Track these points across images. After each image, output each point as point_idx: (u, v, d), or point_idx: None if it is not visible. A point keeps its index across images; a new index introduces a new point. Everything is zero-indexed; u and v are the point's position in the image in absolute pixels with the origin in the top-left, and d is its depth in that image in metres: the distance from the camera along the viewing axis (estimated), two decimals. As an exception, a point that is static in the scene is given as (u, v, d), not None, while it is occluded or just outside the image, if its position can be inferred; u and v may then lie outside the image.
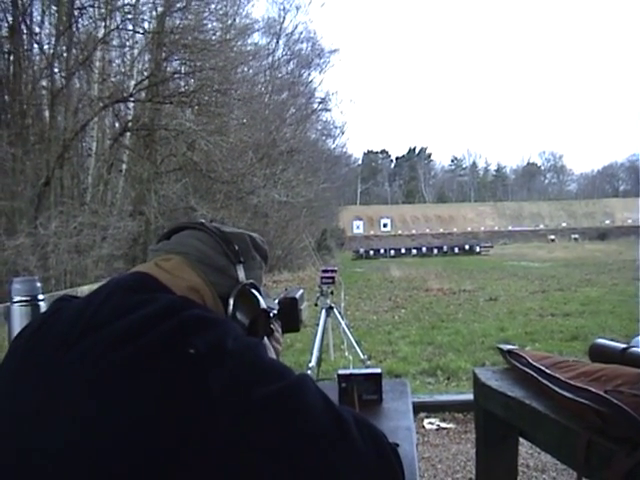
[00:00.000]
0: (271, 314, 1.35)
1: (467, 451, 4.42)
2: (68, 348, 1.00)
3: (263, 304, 1.30)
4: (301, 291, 1.74)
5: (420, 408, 5.35)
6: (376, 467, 0.99)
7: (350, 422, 1.00)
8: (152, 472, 0.87)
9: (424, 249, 43.17)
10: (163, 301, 1.05)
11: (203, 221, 1.33)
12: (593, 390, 1.76)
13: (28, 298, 2.35)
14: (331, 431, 0.96)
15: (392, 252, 41.91)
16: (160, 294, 1.09)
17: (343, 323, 5.65)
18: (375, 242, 49.54)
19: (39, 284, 2.37)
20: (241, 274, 1.28)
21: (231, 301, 1.23)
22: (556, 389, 1.95)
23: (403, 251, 42.56)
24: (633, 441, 1.59)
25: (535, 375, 2.15)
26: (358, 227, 59.74)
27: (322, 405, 0.99)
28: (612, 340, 2.37)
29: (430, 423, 5.15)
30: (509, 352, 2.50)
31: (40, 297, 2.38)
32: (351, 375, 2.13)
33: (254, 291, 1.29)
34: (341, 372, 2.16)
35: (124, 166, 19.33)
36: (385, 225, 62.02)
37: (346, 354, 5.82)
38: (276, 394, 0.95)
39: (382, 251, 42.20)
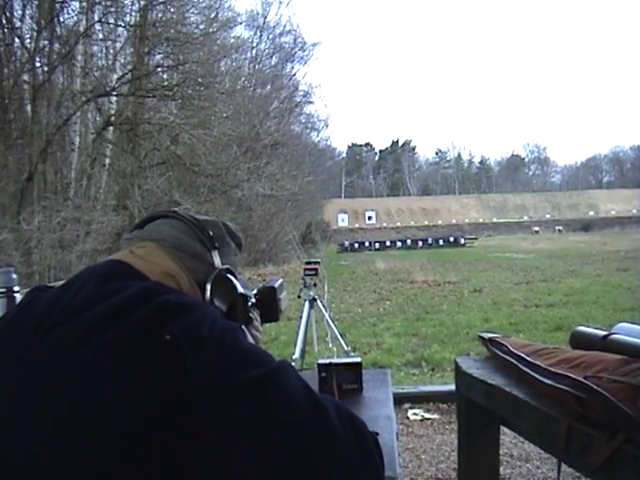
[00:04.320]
0: (249, 301, 1.34)
1: (451, 441, 4.43)
2: (43, 335, 0.99)
3: (240, 289, 1.29)
4: (280, 281, 1.72)
5: (404, 399, 5.35)
6: (355, 455, 0.98)
7: (330, 409, 0.99)
8: (132, 456, 0.87)
9: (409, 241, 43.32)
10: (137, 287, 1.04)
11: (177, 209, 1.32)
12: (573, 376, 1.75)
13: (4, 290, 2.32)
14: (310, 417, 0.96)
15: (377, 245, 42.02)
16: (135, 281, 1.07)
17: (327, 315, 5.64)
18: (360, 235, 49.64)
19: (15, 276, 2.35)
20: (217, 260, 1.26)
21: (208, 286, 1.22)
22: (536, 376, 1.95)
23: (388, 243, 42.68)
24: (613, 427, 1.59)
25: (516, 363, 2.15)
26: (343, 220, 59.82)
27: (302, 391, 0.99)
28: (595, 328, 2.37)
29: (414, 414, 5.14)
30: (490, 340, 2.50)
31: (16, 289, 2.35)
32: (331, 364, 2.12)
33: (231, 276, 1.28)
34: (321, 361, 2.14)
35: (107, 160, 19.22)
36: (370, 218, 62.15)
37: (330, 346, 5.81)
38: (256, 379, 0.94)
39: (367, 244, 42.32)
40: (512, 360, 2.19)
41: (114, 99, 18.95)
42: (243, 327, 1.14)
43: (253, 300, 1.39)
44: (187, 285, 1.19)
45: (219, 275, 1.25)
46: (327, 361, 2.16)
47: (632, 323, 2.26)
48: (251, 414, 0.91)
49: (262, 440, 0.91)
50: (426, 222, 59.80)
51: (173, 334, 0.94)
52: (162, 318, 0.96)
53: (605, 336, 2.17)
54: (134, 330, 0.95)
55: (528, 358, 2.10)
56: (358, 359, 2.21)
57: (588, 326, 2.38)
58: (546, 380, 1.87)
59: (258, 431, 0.91)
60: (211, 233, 1.28)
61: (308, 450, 0.93)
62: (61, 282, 1.16)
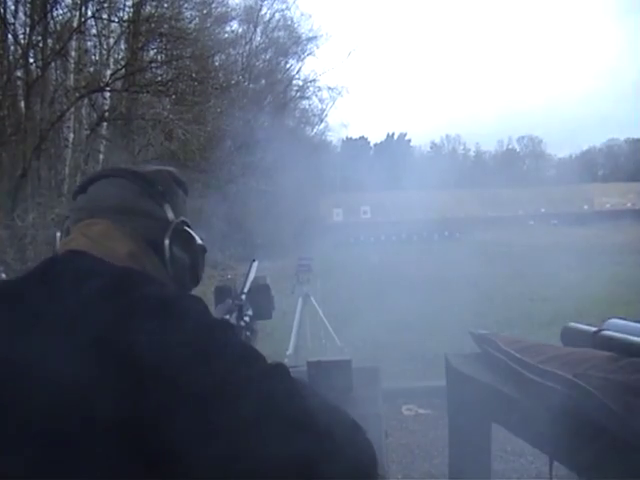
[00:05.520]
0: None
1: (445, 437, 4.41)
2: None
3: (199, 239, 1.28)
4: (267, 277, 1.72)
5: (398, 394, 5.36)
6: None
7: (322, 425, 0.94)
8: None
9: (404, 235, 43.22)
10: (104, 279, 1.02)
11: (120, 167, 1.29)
12: (562, 374, 1.76)
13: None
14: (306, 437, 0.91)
15: (372, 239, 41.92)
16: (100, 277, 1.04)
17: (320, 311, 5.65)
18: (355, 229, 49.52)
19: (4, 275, 2.34)
20: (170, 214, 1.24)
21: (166, 242, 1.20)
22: (526, 373, 1.95)
23: (383, 238, 42.57)
24: (601, 424, 1.59)
25: (506, 359, 2.15)
26: (338, 214, 59.68)
27: (295, 395, 0.96)
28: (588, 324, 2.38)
29: (408, 409, 5.16)
30: (481, 337, 2.50)
31: None
32: (320, 362, 2.11)
33: (187, 229, 1.26)
34: (310, 360, 2.14)
35: (101, 156, 19.15)
36: (365, 212, 62.04)
37: (323, 342, 5.82)
38: (246, 380, 0.93)
39: (362, 238, 42.21)
40: (502, 357, 2.19)
41: (108, 95, 18.88)
42: (229, 320, 1.12)
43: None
44: (150, 264, 1.17)
45: (176, 229, 1.22)
46: (317, 359, 2.16)
47: (623, 319, 2.26)
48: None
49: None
50: (421, 216, 59.80)
51: (150, 333, 0.92)
52: (138, 318, 0.95)
53: (595, 332, 2.17)
54: (104, 329, 0.93)
55: (517, 355, 2.10)
56: (348, 357, 2.21)
57: (579, 322, 2.39)
58: (535, 377, 1.88)
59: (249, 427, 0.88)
60: (160, 187, 1.24)
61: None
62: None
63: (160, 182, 1.25)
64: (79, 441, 0.86)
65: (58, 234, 1.27)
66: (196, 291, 1.40)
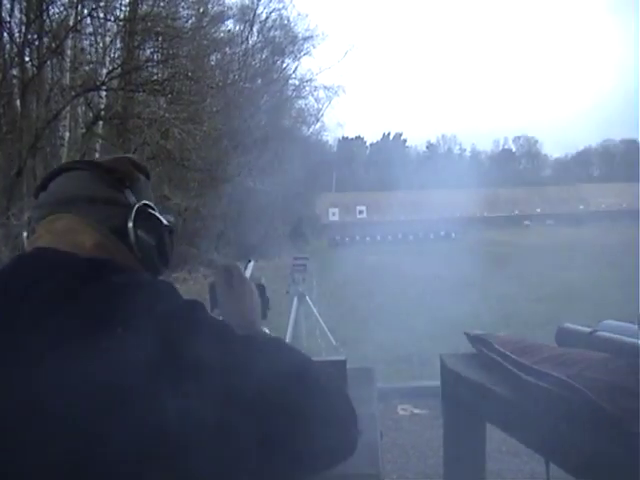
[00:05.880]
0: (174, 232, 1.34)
1: (440, 437, 4.41)
2: None
3: (164, 220, 1.28)
4: (262, 278, 1.71)
5: (394, 394, 5.35)
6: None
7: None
8: None
9: (400, 235, 43.24)
10: (71, 272, 1.03)
11: (78, 160, 1.29)
12: (556, 375, 1.76)
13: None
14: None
15: (368, 239, 41.95)
16: (65, 271, 1.04)
17: (315, 310, 5.65)
18: (351, 229, 49.48)
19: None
20: (132, 198, 1.24)
21: (130, 225, 1.20)
22: (520, 374, 1.95)
23: (379, 238, 42.59)
24: (595, 426, 1.59)
25: (500, 360, 2.15)
26: (334, 214, 59.69)
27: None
28: (583, 325, 2.38)
29: (404, 409, 5.16)
30: (475, 337, 2.49)
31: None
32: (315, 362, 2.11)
33: (151, 211, 1.26)
34: (305, 359, 2.13)
35: (97, 155, 19.09)
36: (361, 212, 62.03)
37: (319, 341, 5.83)
38: (219, 358, 0.94)
39: (358, 238, 42.25)
40: (497, 358, 2.19)
41: (104, 94, 18.87)
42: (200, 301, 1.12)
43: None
44: (119, 252, 1.18)
45: (138, 211, 1.22)
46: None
47: (618, 320, 2.27)
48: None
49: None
50: (417, 216, 59.79)
51: (126, 323, 0.92)
52: (112, 306, 0.95)
53: (590, 333, 2.17)
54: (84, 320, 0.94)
55: (512, 355, 2.10)
56: (343, 357, 2.21)
57: (574, 323, 2.39)
58: (530, 378, 1.88)
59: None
60: (119, 174, 1.24)
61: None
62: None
63: (119, 169, 1.25)
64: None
65: (25, 234, 1.26)
66: (193, 290, 1.40)
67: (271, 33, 31.61)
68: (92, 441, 0.84)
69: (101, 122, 19.15)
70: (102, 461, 0.84)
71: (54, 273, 1.02)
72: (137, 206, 1.22)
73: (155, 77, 19.65)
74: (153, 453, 0.85)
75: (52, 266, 1.05)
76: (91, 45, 19.87)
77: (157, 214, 1.27)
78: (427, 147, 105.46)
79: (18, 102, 16.69)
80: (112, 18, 18.70)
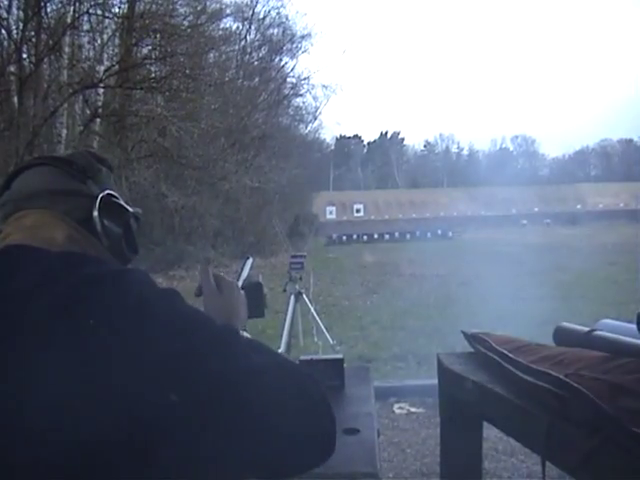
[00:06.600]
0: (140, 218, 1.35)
1: (436, 435, 4.41)
2: None
3: (129, 208, 1.29)
4: (260, 275, 1.71)
5: (390, 393, 5.36)
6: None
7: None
8: None
9: (397, 234, 43.19)
10: (43, 267, 1.03)
11: (38, 156, 1.29)
12: (553, 374, 1.76)
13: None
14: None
15: (365, 237, 41.90)
16: (36, 266, 1.04)
17: (312, 309, 5.65)
18: (348, 227, 49.47)
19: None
20: (94, 189, 1.24)
21: (95, 214, 1.21)
22: (517, 373, 1.95)
23: (376, 236, 42.54)
24: (593, 425, 1.59)
25: (498, 359, 2.15)
26: (331, 212, 59.67)
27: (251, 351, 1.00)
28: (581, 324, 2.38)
29: (400, 408, 5.16)
30: (473, 336, 2.49)
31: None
32: (312, 361, 2.11)
33: (115, 200, 1.27)
34: (303, 358, 2.13)
35: (95, 153, 19.13)
36: (358, 210, 62.00)
37: (316, 340, 5.81)
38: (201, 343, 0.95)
39: (355, 236, 42.17)
40: (494, 356, 2.19)
41: (101, 91, 18.84)
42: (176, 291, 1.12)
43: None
44: (90, 245, 1.18)
45: (102, 201, 1.23)
46: (309, 357, 2.16)
47: (615, 319, 2.27)
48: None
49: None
50: (414, 215, 59.71)
51: (95, 317, 0.93)
52: (83, 299, 0.95)
53: (588, 332, 2.17)
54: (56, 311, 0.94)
55: (510, 354, 2.10)
56: (340, 356, 2.21)
57: (571, 322, 2.39)
58: (527, 377, 1.88)
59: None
60: (80, 166, 1.25)
61: None
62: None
63: (78, 161, 1.25)
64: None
65: None
66: (190, 288, 1.39)
67: (269, 31, 31.60)
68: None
69: (98, 119, 19.11)
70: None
71: (28, 271, 1.02)
72: (101, 195, 1.23)
73: (153, 75, 19.60)
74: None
75: (26, 264, 1.05)
76: (89, 42, 19.86)
77: (122, 202, 1.27)
78: (425, 146, 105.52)
79: (15, 99, 16.64)
80: (110, 15, 18.68)
